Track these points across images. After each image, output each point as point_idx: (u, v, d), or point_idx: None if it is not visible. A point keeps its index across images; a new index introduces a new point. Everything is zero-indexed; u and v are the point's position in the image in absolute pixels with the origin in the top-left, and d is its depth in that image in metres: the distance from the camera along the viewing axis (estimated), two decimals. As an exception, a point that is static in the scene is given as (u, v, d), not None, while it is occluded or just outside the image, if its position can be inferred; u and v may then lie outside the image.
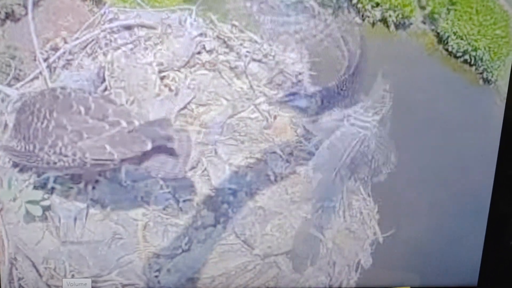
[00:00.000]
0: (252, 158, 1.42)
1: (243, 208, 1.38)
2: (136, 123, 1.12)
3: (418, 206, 1.64)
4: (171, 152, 1.16)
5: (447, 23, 2.00)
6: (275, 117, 1.49)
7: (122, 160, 1.09)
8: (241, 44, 1.43)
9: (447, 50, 2.01)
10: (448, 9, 2.05)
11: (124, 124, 1.08)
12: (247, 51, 1.44)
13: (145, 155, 1.10)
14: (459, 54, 1.99)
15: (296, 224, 1.44)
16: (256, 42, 1.46)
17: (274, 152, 1.46)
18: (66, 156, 1.05)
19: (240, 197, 1.38)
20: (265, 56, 1.50)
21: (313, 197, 1.50)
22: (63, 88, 1.16)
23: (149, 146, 1.09)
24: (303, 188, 1.48)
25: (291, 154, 1.49)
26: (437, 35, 2.03)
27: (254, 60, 1.45)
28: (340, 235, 1.52)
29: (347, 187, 1.59)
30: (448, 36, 2.00)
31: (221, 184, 1.36)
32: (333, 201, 1.53)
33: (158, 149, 1.12)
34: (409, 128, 1.76)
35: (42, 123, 1.06)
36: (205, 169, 1.36)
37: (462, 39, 1.99)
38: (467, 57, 1.98)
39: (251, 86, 1.45)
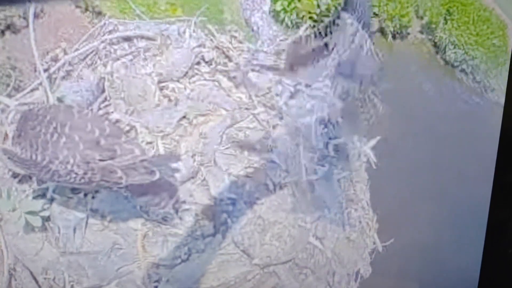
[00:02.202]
0: (251, 167, 1.43)
1: (242, 218, 1.38)
2: (149, 153, 1.14)
3: (417, 215, 1.63)
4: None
5: (444, 33, 2.02)
6: (274, 127, 1.49)
7: (128, 185, 1.10)
8: (239, 55, 1.45)
9: (444, 59, 2.03)
10: (445, 19, 2.07)
11: (137, 152, 1.10)
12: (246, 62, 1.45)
13: (149, 185, 1.12)
14: (456, 63, 2.00)
15: (295, 234, 1.44)
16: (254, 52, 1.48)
17: (273, 162, 1.46)
18: (76, 174, 1.06)
19: (239, 207, 1.38)
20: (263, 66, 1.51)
21: (312, 207, 1.49)
22: (80, 106, 1.17)
23: (157, 176, 1.11)
24: (302, 198, 1.48)
25: (290, 163, 1.49)
26: (435, 44, 2.04)
27: (253, 70, 1.46)
28: (339, 244, 1.52)
29: (346, 195, 1.59)
30: (445, 46, 2.02)
31: (220, 193, 1.36)
32: (332, 211, 1.52)
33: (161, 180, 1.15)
34: (406, 136, 1.77)
35: (52, 136, 1.07)
36: (204, 178, 1.36)
37: (459, 48, 2.01)
38: (464, 66, 2.00)
39: (250, 96, 1.46)
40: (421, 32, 2.05)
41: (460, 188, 1.72)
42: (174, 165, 1.19)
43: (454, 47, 2.05)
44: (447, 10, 2.14)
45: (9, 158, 1.12)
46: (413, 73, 1.93)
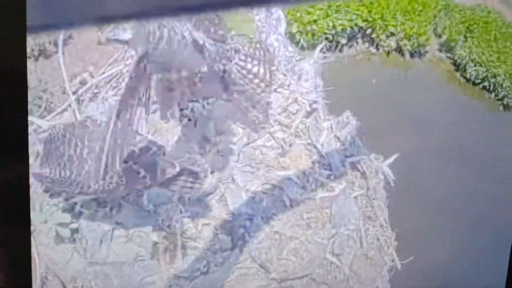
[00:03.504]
0: (268, 184, 1.59)
1: (259, 233, 1.53)
2: (166, 149, 1.32)
3: (438, 233, 1.76)
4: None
5: (464, 51, 2.18)
6: (290, 145, 1.65)
7: (152, 185, 1.28)
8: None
9: (464, 77, 2.17)
10: (465, 36, 2.22)
11: (154, 148, 1.28)
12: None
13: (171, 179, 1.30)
14: (477, 81, 2.16)
15: (311, 249, 1.58)
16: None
17: (290, 179, 1.61)
18: (104, 179, 1.24)
19: (256, 222, 1.54)
20: (281, 86, 1.68)
21: (329, 223, 1.62)
22: (93, 119, 1.37)
23: (177, 169, 1.29)
24: (319, 214, 1.62)
25: (306, 180, 1.64)
26: (454, 62, 2.20)
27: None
28: (357, 261, 1.65)
29: (363, 213, 1.71)
30: (465, 63, 2.17)
31: (238, 209, 1.53)
32: (349, 228, 1.65)
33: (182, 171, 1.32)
34: (425, 154, 1.86)
35: (75, 150, 1.26)
36: (223, 194, 1.53)
37: (480, 65, 2.16)
38: (486, 83, 2.15)
39: (266, 115, 1.63)
40: (440, 50, 2.21)
41: (483, 206, 1.83)
42: (192, 156, 1.35)
43: (475, 65, 2.20)
44: (467, 28, 2.29)
45: (40, 181, 1.31)
46: (432, 91, 2.06)
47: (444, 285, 1.71)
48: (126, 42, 1.25)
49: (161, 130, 1.52)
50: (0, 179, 1.31)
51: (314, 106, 1.73)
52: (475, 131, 1.99)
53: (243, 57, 1.44)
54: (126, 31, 1.22)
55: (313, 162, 1.67)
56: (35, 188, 1.36)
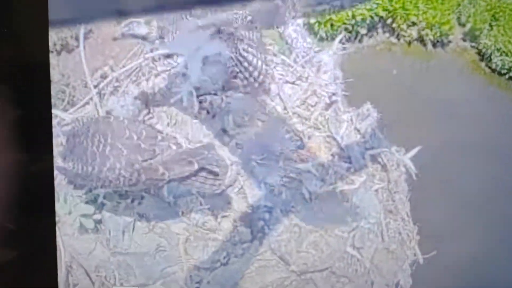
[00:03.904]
0: (287, 177, 1.64)
1: (278, 225, 1.59)
2: (184, 145, 1.40)
3: (462, 228, 1.78)
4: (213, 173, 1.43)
5: (489, 40, 2.17)
6: (309, 137, 1.70)
7: (171, 180, 1.36)
8: (274, 67, 1.67)
9: (490, 67, 2.17)
10: (490, 25, 2.21)
11: (174, 147, 1.36)
12: (281, 74, 1.67)
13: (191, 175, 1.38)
14: (504, 71, 2.14)
15: (331, 242, 1.62)
16: (289, 65, 1.70)
17: (309, 171, 1.66)
18: (124, 177, 1.33)
19: (275, 215, 1.60)
20: (299, 78, 1.72)
21: (349, 216, 1.66)
22: (116, 116, 1.45)
23: (195, 167, 1.37)
24: (339, 207, 1.66)
25: (325, 173, 1.68)
26: (479, 52, 2.19)
27: (287, 82, 1.68)
28: (378, 255, 1.71)
29: (384, 206, 1.74)
30: (491, 53, 2.15)
31: (257, 201, 1.58)
32: (370, 221, 1.69)
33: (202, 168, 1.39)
34: (449, 146, 1.88)
35: (98, 147, 1.35)
36: (242, 187, 1.59)
37: (506, 55, 2.15)
38: (512, 73, 2.13)
39: (285, 108, 1.68)
40: (464, 40, 2.21)
41: (511, 200, 1.82)
42: (210, 153, 1.45)
43: (501, 54, 2.20)
44: (493, 16, 2.29)
45: (63, 174, 1.41)
46: (455, 82, 2.06)
47: (468, 281, 1.72)
48: (142, 37, 1.32)
49: (180, 123, 1.59)
50: (26, 171, 1.40)
51: (334, 98, 1.77)
52: (501, 122, 1.99)
53: (245, 47, 1.50)
54: (141, 25, 1.29)
55: (332, 155, 1.72)
56: (60, 181, 1.45)
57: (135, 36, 1.36)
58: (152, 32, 1.30)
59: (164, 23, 1.33)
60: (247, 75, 1.49)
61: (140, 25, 1.30)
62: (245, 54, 1.46)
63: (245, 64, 1.48)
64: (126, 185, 1.35)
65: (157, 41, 1.32)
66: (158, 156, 1.39)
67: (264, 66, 1.50)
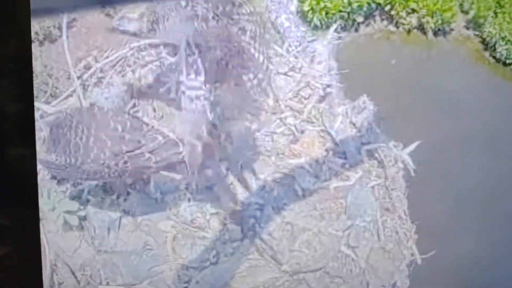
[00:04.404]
0: (279, 173, 1.76)
1: (270, 223, 1.70)
2: (172, 137, 1.52)
3: (462, 227, 1.87)
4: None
5: (494, 28, 2.28)
6: (302, 131, 1.80)
7: (159, 169, 1.49)
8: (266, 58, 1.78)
9: (494, 56, 2.27)
10: (495, 12, 2.31)
11: (160, 138, 1.48)
12: (272, 65, 1.78)
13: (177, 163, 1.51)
14: (509, 61, 2.25)
15: (325, 241, 1.73)
16: (281, 55, 1.80)
17: (302, 167, 1.77)
18: (109, 167, 1.46)
19: (267, 212, 1.71)
20: (292, 69, 1.82)
21: (344, 214, 1.77)
22: (100, 107, 1.57)
23: (181, 148, 1.50)
24: (333, 204, 1.77)
25: (319, 169, 1.78)
26: (483, 41, 2.30)
27: (279, 73, 1.79)
28: (373, 255, 1.82)
29: (380, 204, 1.84)
30: (495, 42, 2.26)
31: (247, 198, 1.70)
32: (365, 219, 1.80)
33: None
34: (450, 141, 1.96)
35: (81, 138, 1.47)
36: (232, 183, 1.70)
37: (511, 44, 2.25)
38: (518, 64, 2.25)
39: (277, 100, 1.78)
40: (467, 28, 2.32)
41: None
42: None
43: (506, 43, 2.31)
44: (497, 3, 2.39)
45: (46, 167, 1.53)
46: (458, 73, 2.14)
47: (468, 282, 1.82)
48: (133, 33, 1.43)
49: (167, 116, 1.71)
50: (9, 165, 1.53)
51: (328, 90, 1.87)
52: (506, 115, 2.03)
53: (247, 39, 1.59)
54: (131, 21, 1.40)
55: (326, 150, 1.82)
56: (43, 176, 1.57)
57: (125, 32, 1.47)
58: (143, 28, 1.42)
59: (156, 15, 1.44)
60: (245, 71, 1.59)
61: (131, 21, 1.41)
62: (246, 46, 1.55)
63: (244, 56, 1.58)
64: (111, 176, 1.48)
65: (148, 36, 1.44)
66: (144, 146, 1.51)
67: (266, 62, 1.60)
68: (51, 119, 1.58)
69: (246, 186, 1.71)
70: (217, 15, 1.55)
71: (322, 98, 1.86)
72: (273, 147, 1.76)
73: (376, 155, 1.90)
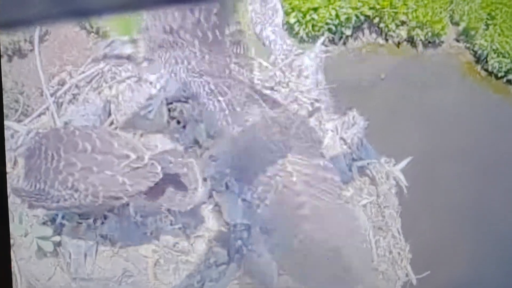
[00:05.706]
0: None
1: (258, 245, 1.63)
2: (146, 156, 1.42)
3: (457, 246, 1.90)
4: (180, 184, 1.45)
5: (485, 40, 2.28)
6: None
7: (135, 194, 1.38)
8: (251, 72, 1.73)
9: (486, 70, 2.26)
10: (486, 23, 2.31)
11: (133, 156, 1.38)
12: (258, 79, 1.73)
13: (157, 188, 1.40)
14: (501, 74, 2.25)
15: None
16: (267, 68, 1.76)
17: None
18: (79, 191, 1.35)
19: (254, 233, 1.64)
20: (278, 83, 1.77)
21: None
22: (65, 127, 1.48)
23: (160, 176, 1.39)
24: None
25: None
26: (474, 53, 2.29)
27: (266, 88, 1.74)
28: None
29: (373, 222, 1.80)
30: (487, 54, 2.25)
31: (234, 219, 1.63)
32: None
33: (169, 180, 1.42)
34: (443, 157, 1.93)
35: (51, 163, 1.38)
36: (217, 203, 1.63)
37: (504, 56, 2.27)
38: (510, 76, 2.23)
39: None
40: (458, 40, 2.32)
41: (507, 214, 1.90)
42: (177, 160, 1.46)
43: (498, 56, 2.31)
44: (489, 14, 2.39)
45: (18, 196, 1.43)
46: (449, 86, 2.15)
47: None
48: (127, 57, 1.35)
49: (148, 134, 1.64)
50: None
51: (316, 105, 1.84)
52: (498, 130, 2.06)
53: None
54: (125, 44, 1.32)
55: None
56: (13, 199, 1.48)
57: (119, 57, 1.39)
58: (139, 52, 1.34)
59: (151, 43, 1.36)
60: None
61: (124, 44, 1.33)
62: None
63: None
64: (82, 203, 1.37)
65: (145, 63, 1.36)
66: (116, 167, 1.40)
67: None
68: (22, 151, 1.49)
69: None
70: None
71: (310, 114, 1.82)
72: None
73: (368, 171, 1.90)
